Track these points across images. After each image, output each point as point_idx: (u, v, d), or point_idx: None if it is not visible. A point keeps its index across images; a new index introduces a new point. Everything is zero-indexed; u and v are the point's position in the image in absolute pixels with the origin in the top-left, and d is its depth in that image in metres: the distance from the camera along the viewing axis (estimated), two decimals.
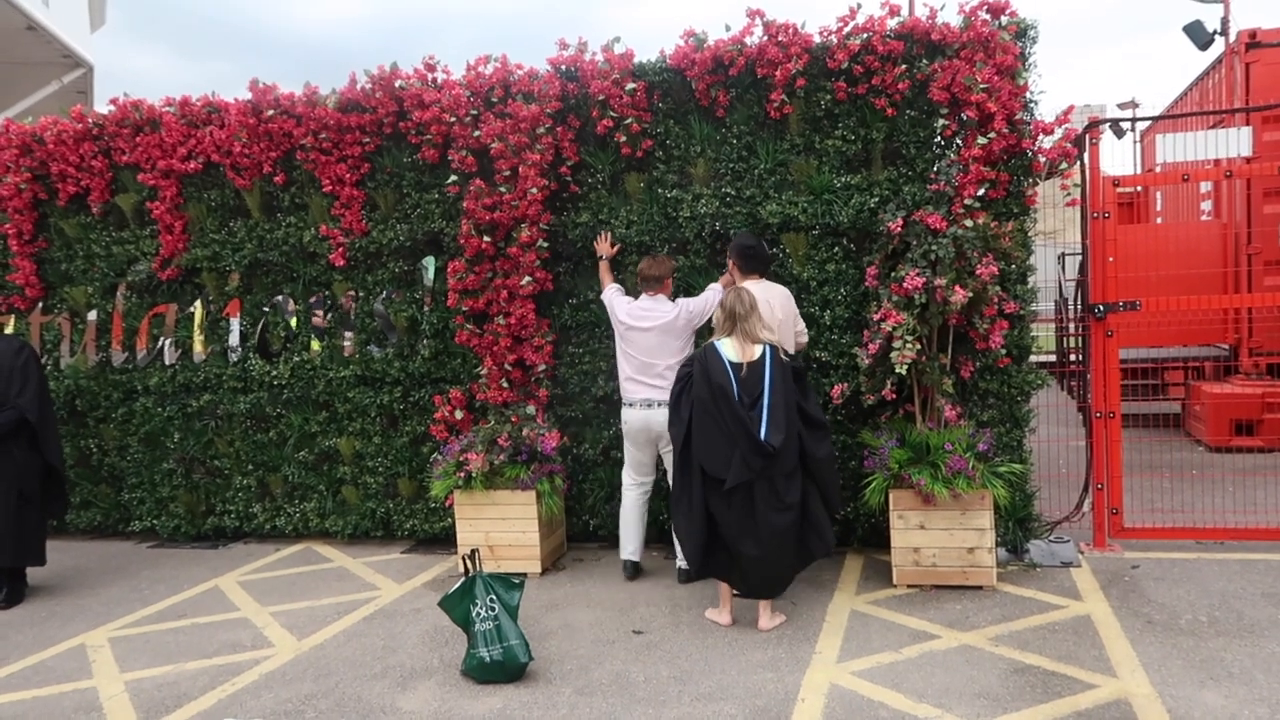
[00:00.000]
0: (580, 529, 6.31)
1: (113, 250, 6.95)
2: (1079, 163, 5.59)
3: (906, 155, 5.56)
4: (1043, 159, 5.34)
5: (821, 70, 5.54)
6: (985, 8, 5.33)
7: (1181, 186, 11.01)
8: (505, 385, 5.97)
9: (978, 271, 4.91)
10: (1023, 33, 5.34)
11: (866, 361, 5.14)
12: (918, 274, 4.92)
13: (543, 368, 6.00)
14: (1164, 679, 3.91)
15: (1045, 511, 5.88)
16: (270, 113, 6.32)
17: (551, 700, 4.01)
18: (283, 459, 6.74)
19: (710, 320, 5.21)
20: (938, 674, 4.07)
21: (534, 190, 5.71)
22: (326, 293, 6.63)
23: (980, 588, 5.08)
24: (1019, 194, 5.37)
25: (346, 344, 6.57)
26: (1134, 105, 17.01)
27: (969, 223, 5.01)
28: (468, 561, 4.40)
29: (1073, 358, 9.55)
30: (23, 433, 5.69)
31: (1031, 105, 5.35)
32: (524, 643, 4.22)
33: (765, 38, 5.56)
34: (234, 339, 6.80)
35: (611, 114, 5.72)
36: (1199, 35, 12.14)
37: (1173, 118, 9.70)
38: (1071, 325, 9.52)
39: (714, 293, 5.35)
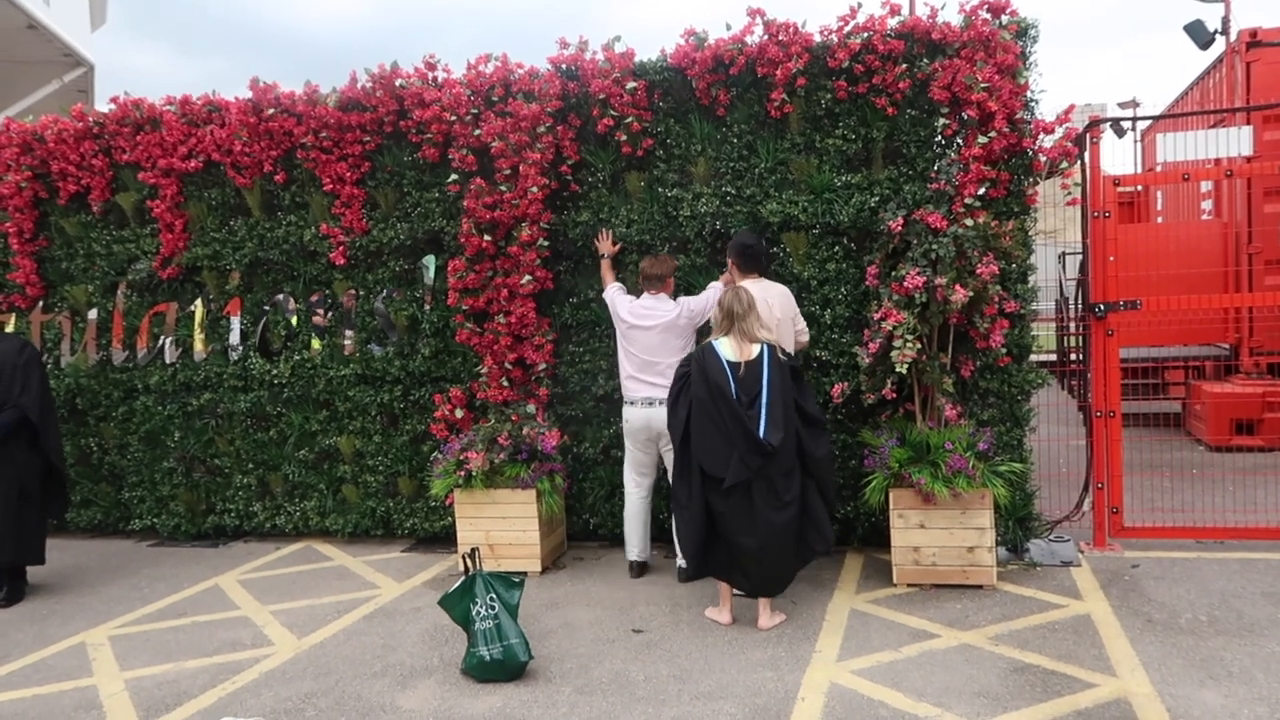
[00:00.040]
0: (580, 528, 6.31)
1: (113, 249, 6.96)
2: (1079, 162, 5.58)
3: (907, 154, 5.56)
4: (1043, 158, 5.34)
5: (822, 69, 5.54)
6: (986, 7, 5.32)
7: (1182, 186, 11.00)
8: (505, 384, 5.98)
9: (978, 270, 4.91)
10: (1023, 32, 5.34)
11: (867, 360, 5.14)
12: (918, 273, 4.92)
13: (543, 366, 6.00)
14: (1164, 678, 3.91)
15: (1045, 511, 5.88)
16: (271, 111, 6.32)
17: (551, 699, 4.01)
18: (283, 457, 6.74)
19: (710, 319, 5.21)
20: (937, 673, 4.07)
21: (534, 189, 5.71)
22: (327, 291, 6.63)
23: (980, 587, 5.09)
24: (1019, 193, 5.37)
25: (347, 342, 6.57)
26: (1135, 104, 17.03)
27: (969, 222, 5.01)
28: (468, 560, 4.40)
29: (1073, 357, 9.53)
30: (24, 432, 5.70)
31: (1032, 104, 5.35)
32: (524, 641, 4.22)
33: (766, 37, 5.56)
34: (234, 338, 6.80)
35: (612, 113, 5.72)
36: (1200, 35, 12.13)
37: (1173, 117, 9.70)
38: (1072, 324, 9.50)
39: (715, 291, 5.35)
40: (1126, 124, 12.64)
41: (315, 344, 6.63)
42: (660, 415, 5.17)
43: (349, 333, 6.56)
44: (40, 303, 7.20)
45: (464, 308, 6.00)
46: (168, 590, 5.85)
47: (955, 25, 5.35)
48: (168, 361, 6.92)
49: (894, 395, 5.24)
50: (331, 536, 6.76)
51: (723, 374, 4.56)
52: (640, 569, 5.60)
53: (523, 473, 5.65)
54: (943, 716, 3.67)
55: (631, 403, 5.42)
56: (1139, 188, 12.28)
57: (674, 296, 5.51)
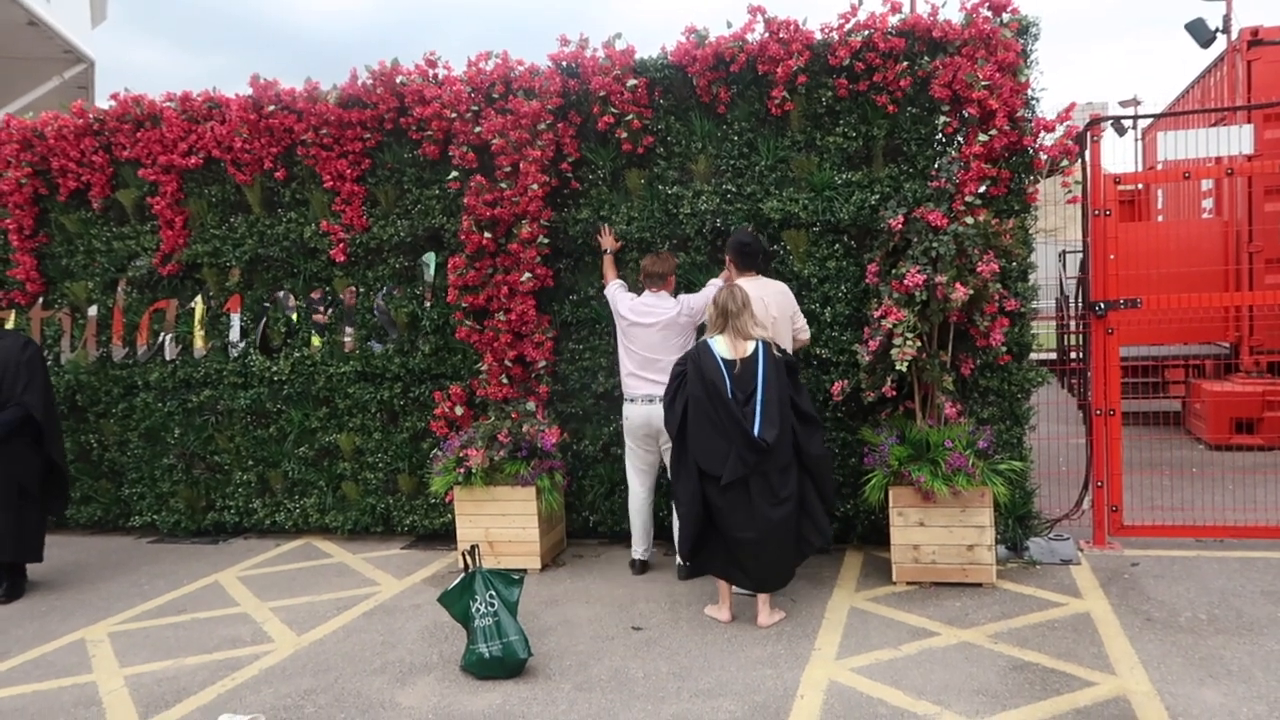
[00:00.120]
0: (580, 525, 6.31)
1: (113, 245, 6.96)
2: (1080, 160, 5.58)
3: (907, 152, 5.56)
4: (1044, 156, 5.33)
5: (823, 67, 5.53)
6: (987, 4, 5.32)
7: (1183, 184, 11.00)
8: (505, 381, 5.98)
9: (978, 269, 4.91)
10: (1024, 29, 5.33)
11: (867, 358, 5.13)
12: (918, 271, 4.92)
13: (543, 364, 5.99)
14: (1163, 676, 3.92)
15: (1045, 509, 5.88)
16: (271, 108, 6.32)
17: (550, 696, 4.01)
18: (283, 454, 6.74)
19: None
20: (937, 671, 4.07)
21: (535, 186, 5.71)
22: (327, 288, 6.63)
23: (980, 585, 5.09)
24: (1020, 191, 5.37)
25: (347, 340, 6.57)
26: (1135, 103, 17.03)
27: (970, 220, 5.00)
28: (467, 557, 4.40)
29: (1073, 355, 9.53)
30: (28, 430, 5.70)
31: (1033, 102, 5.34)
32: (523, 638, 4.22)
33: (766, 34, 5.56)
34: (234, 334, 6.80)
35: (612, 110, 5.72)
36: (1201, 33, 12.13)
37: (1174, 115, 9.70)
38: (1072, 323, 9.51)
39: (714, 289, 5.34)
40: (1127, 122, 12.57)
41: (315, 341, 6.63)
42: (660, 412, 5.17)
43: (349, 330, 6.57)
44: (40, 299, 7.21)
45: (464, 305, 5.99)
46: (167, 587, 5.85)
47: (956, 23, 5.34)
48: (168, 358, 6.92)
49: (894, 393, 5.23)
50: (331, 533, 6.77)
51: (718, 372, 4.56)
52: (642, 567, 5.62)
53: (522, 470, 5.66)
54: (942, 714, 3.67)
55: (632, 400, 5.42)
56: (1140, 186, 12.28)
57: (674, 294, 5.51)
